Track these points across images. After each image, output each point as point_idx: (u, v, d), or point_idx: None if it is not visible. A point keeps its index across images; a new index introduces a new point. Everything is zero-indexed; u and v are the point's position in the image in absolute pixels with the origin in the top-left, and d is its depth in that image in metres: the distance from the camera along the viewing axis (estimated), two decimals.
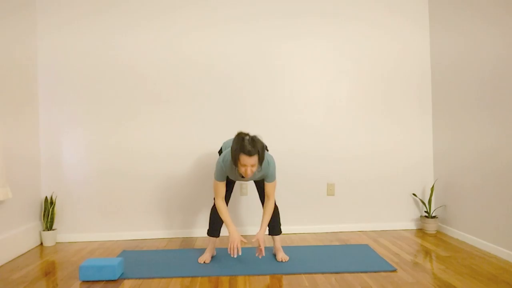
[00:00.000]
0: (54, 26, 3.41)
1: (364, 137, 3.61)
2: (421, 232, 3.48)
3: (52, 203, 3.29)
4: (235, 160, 2.38)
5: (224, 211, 2.60)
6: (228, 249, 2.50)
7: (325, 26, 3.57)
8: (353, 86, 3.60)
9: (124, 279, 2.42)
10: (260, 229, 2.58)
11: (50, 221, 3.28)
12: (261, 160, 2.39)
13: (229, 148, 2.49)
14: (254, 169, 2.39)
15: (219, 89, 3.51)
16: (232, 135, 3.48)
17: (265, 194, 2.63)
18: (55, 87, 3.41)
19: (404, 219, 3.63)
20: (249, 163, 2.35)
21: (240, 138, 2.36)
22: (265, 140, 3.49)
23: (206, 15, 3.51)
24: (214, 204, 2.77)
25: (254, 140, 2.35)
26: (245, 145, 2.32)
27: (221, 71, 3.51)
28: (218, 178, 2.57)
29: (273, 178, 2.57)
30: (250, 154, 2.32)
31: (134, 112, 3.46)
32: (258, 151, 2.34)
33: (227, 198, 2.78)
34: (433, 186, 3.47)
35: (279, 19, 3.55)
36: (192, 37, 3.50)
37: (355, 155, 3.60)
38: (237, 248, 2.48)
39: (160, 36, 3.48)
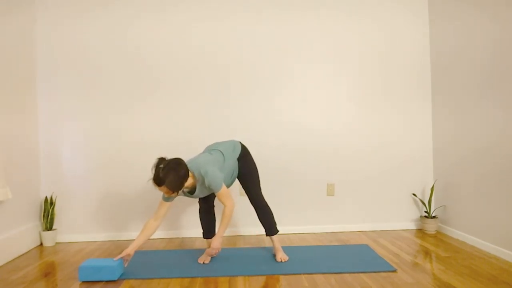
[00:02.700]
0: (53, 17, 3.40)
1: (365, 135, 3.60)
2: (421, 232, 3.48)
3: (51, 203, 3.29)
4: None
5: (142, 233, 2.53)
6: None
7: (324, 20, 3.57)
8: (352, 84, 3.59)
9: (124, 279, 2.42)
10: (214, 237, 2.50)
11: (49, 221, 3.28)
12: (173, 189, 2.34)
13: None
14: (171, 194, 2.39)
15: (220, 85, 3.51)
16: (228, 137, 3.48)
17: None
18: (54, 85, 3.41)
19: (404, 219, 3.62)
20: (160, 190, 2.38)
21: (156, 165, 2.36)
22: (265, 140, 3.49)
23: (204, 10, 3.50)
24: (200, 207, 2.81)
25: (166, 170, 2.31)
26: (155, 175, 2.33)
27: (223, 68, 3.51)
28: (162, 196, 2.56)
29: (217, 189, 2.45)
30: (157, 184, 2.33)
31: (133, 110, 3.46)
32: (166, 182, 2.30)
33: (210, 207, 2.80)
34: (433, 186, 3.47)
35: (279, 14, 3.54)
36: (194, 29, 3.49)
37: (355, 155, 3.59)
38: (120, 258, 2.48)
39: (161, 27, 3.47)
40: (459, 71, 3.17)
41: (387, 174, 3.61)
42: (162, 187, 2.33)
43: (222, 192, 2.48)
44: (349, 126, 3.59)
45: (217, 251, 2.50)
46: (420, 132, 3.63)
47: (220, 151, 2.65)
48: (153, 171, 2.35)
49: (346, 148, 3.59)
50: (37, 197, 3.33)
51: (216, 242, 2.48)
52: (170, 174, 2.32)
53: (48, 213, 3.27)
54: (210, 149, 2.69)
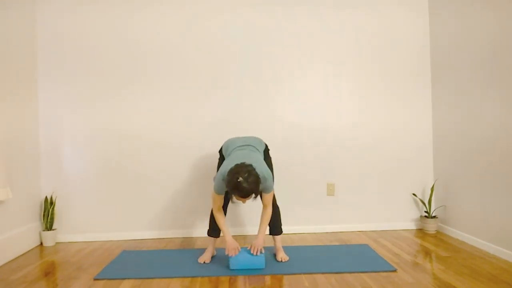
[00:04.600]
0: (54, 7, 3.41)
1: (365, 135, 3.60)
2: (421, 232, 3.48)
3: (52, 203, 3.29)
4: (230, 194, 2.38)
5: (221, 221, 2.62)
6: (226, 252, 2.55)
7: (324, 16, 3.56)
8: (352, 84, 3.59)
9: (124, 279, 2.42)
10: (257, 237, 2.59)
11: (50, 221, 3.28)
12: (256, 194, 2.37)
13: (229, 166, 2.42)
14: (251, 199, 2.42)
15: (220, 84, 3.51)
16: (230, 135, 3.47)
17: (262, 202, 2.61)
18: (55, 85, 3.40)
19: (404, 219, 3.63)
20: (244, 200, 2.39)
21: (235, 179, 2.28)
22: (264, 139, 3.49)
23: (204, 5, 3.50)
24: None
25: (248, 180, 2.28)
26: (240, 188, 2.28)
27: (223, 66, 3.51)
28: (218, 191, 2.53)
29: (270, 190, 2.54)
30: (245, 196, 2.32)
31: (134, 110, 3.46)
32: (253, 190, 2.31)
33: (226, 202, 2.77)
34: (433, 186, 3.47)
35: (278, 11, 3.54)
36: (194, 26, 3.49)
37: (355, 155, 3.59)
38: (236, 250, 2.54)
39: (162, 22, 3.47)
40: (459, 65, 3.17)
41: (387, 174, 3.62)
42: (249, 196, 2.34)
43: (272, 193, 2.58)
44: (349, 126, 3.59)
45: (261, 247, 2.57)
46: (421, 132, 3.64)
47: (256, 148, 2.68)
48: (233, 185, 2.28)
49: (346, 148, 3.59)
50: (37, 197, 3.33)
51: (261, 240, 2.58)
52: (254, 184, 2.30)
53: (48, 213, 3.26)
54: (242, 145, 2.69)
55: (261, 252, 2.56)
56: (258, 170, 2.39)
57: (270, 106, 3.54)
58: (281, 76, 3.55)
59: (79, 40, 3.43)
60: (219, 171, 2.52)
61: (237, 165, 2.35)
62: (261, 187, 2.43)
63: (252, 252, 2.54)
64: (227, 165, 2.46)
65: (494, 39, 2.76)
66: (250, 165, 2.36)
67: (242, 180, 2.27)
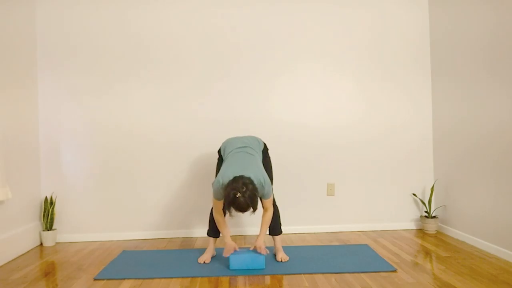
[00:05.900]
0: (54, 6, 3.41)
1: (365, 135, 3.60)
2: (421, 232, 3.48)
3: (52, 203, 3.29)
4: (228, 208, 2.35)
5: (222, 224, 2.62)
6: (224, 254, 2.58)
7: (322, 8, 3.57)
8: (351, 83, 3.59)
9: (124, 279, 2.42)
10: (258, 238, 2.60)
11: (50, 221, 3.28)
12: (254, 209, 2.35)
13: (226, 173, 2.43)
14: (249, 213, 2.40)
15: (218, 84, 3.51)
16: (230, 135, 3.47)
17: (263, 207, 2.62)
18: (54, 83, 3.40)
19: (404, 219, 3.63)
20: (242, 214, 2.43)
21: (232, 194, 2.27)
22: (264, 139, 3.49)
23: (204, 2, 3.51)
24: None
25: (245, 195, 2.27)
26: (237, 204, 2.28)
27: (221, 66, 3.51)
28: (216, 197, 2.53)
29: (268, 196, 2.55)
30: (243, 211, 2.32)
31: (133, 109, 3.46)
32: (251, 205, 2.30)
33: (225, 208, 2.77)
34: (433, 186, 3.47)
35: (278, 8, 3.55)
36: (194, 22, 3.49)
37: (355, 155, 3.60)
38: (232, 250, 2.57)
39: (163, 16, 3.47)
40: (459, 63, 3.17)
41: (387, 174, 3.62)
42: (247, 212, 2.34)
43: (271, 198, 2.59)
44: (349, 125, 3.59)
45: (264, 246, 2.59)
46: (421, 132, 3.63)
47: (254, 149, 2.68)
48: (231, 200, 2.28)
49: (346, 148, 3.59)
50: (37, 197, 3.33)
51: (261, 241, 2.59)
52: (252, 199, 2.31)
53: (48, 213, 3.26)
54: (240, 146, 2.69)
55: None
56: (255, 178, 2.40)
57: (270, 105, 3.54)
58: (281, 76, 3.55)
59: (78, 37, 3.42)
60: (216, 177, 2.52)
61: (235, 179, 2.33)
62: (259, 194, 2.44)
63: (261, 252, 2.55)
64: (224, 171, 2.47)
65: (496, 33, 2.75)
66: (248, 178, 2.34)
67: (239, 195, 2.27)
